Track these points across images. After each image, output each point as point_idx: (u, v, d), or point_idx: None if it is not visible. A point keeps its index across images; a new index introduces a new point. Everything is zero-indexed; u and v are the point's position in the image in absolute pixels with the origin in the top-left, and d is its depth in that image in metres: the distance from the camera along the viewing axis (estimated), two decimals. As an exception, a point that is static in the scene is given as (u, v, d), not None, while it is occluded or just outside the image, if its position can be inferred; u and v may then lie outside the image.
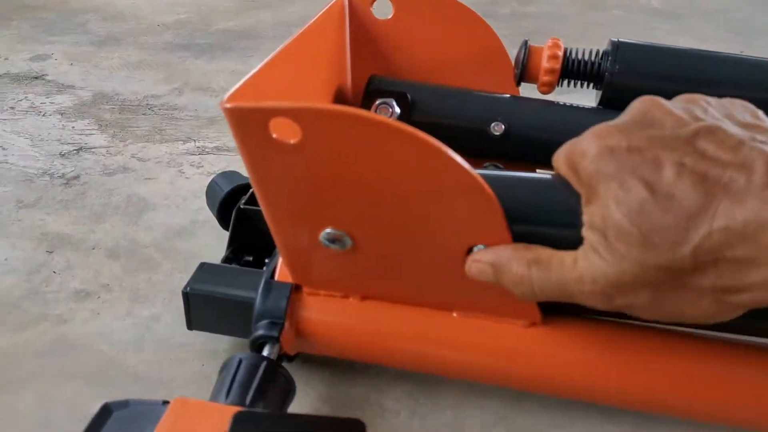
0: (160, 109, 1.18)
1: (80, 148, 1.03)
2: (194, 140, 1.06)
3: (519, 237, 0.48)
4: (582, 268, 0.43)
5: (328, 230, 0.53)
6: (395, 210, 0.51)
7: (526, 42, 0.68)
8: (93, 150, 1.03)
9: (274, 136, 0.46)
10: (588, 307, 0.56)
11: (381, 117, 0.45)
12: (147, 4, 1.78)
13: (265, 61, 0.57)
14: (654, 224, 0.38)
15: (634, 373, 0.54)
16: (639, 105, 0.45)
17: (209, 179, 0.76)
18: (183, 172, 0.97)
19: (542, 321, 0.55)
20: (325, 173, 0.49)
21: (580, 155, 0.43)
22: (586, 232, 0.43)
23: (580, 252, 0.43)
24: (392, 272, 0.56)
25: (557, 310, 0.56)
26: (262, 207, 0.55)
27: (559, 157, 0.46)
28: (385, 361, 0.60)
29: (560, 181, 0.47)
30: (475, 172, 0.46)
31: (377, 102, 0.67)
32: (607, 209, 0.40)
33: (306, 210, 0.53)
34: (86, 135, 1.07)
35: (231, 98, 0.49)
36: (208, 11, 1.73)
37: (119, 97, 1.22)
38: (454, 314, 0.56)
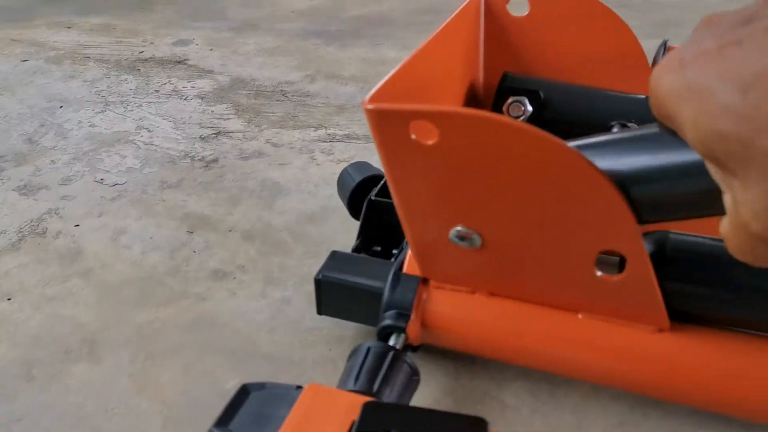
0: (293, 96, 1.22)
1: (219, 132, 1.09)
2: (325, 127, 1.10)
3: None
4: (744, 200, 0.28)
5: (458, 228, 0.54)
6: (526, 212, 0.52)
7: (665, 42, 0.66)
8: (230, 134, 1.08)
9: (413, 137, 0.48)
10: (717, 318, 0.55)
11: (517, 122, 0.46)
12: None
13: (405, 60, 0.59)
14: None
15: (761, 383, 0.53)
16: (704, 20, 0.31)
17: (339, 167, 0.79)
18: (314, 159, 1.01)
19: (670, 327, 0.55)
20: (459, 174, 0.50)
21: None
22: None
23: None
24: (520, 271, 0.57)
25: (686, 319, 0.56)
26: (396, 202, 0.57)
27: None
28: (508, 358, 0.61)
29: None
30: (609, 180, 0.46)
31: (510, 100, 0.68)
32: None
33: (438, 208, 0.54)
34: (224, 119, 1.13)
35: (373, 99, 0.51)
36: (341, -4, 1.78)
37: (255, 82, 1.27)
38: (580, 315, 0.57)
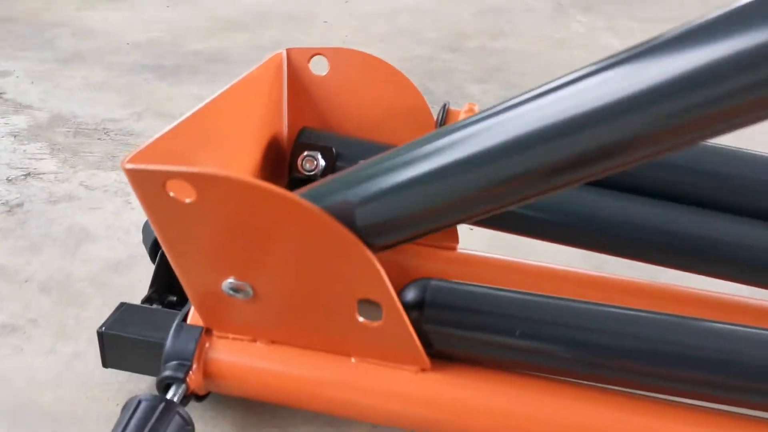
0: (116, 134, 1.19)
1: (28, 174, 1.04)
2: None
3: None
4: None
5: (230, 280, 0.55)
6: (287, 266, 0.54)
7: (445, 105, 0.71)
8: (41, 176, 1.04)
9: (172, 194, 0.49)
10: (474, 356, 0.59)
11: (263, 183, 0.48)
12: (121, 20, 1.80)
13: (186, 115, 0.60)
14: None
15: (518, 419, 0.57)
16: None
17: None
18: (130, 203, 0.98)
19: (432, 367, 0.58)
20: (219, 230, 0.52)
21: None
22: None
23: None
24: (293, 320, 0.59)
25: (446, 358, 0.60)
26: (169, 258, 0.57)
27: None
28: (290, 402, 0.63)
29: None
30: (351, 234, 0.49)
31: (304, 154, 0.70)
32: None
33: (208, 262, 0.55)
34: (37, 160, 1.09)
35: (133, 159, 0.51)
36: (183, 31, 1.75)
37: (76, 119, 1.23)
38: (353, 359, 0.59)
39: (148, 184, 0.49)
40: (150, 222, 0.53)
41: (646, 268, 0.70)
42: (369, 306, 0.55)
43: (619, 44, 1.69)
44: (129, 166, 0.50)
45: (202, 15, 1.87)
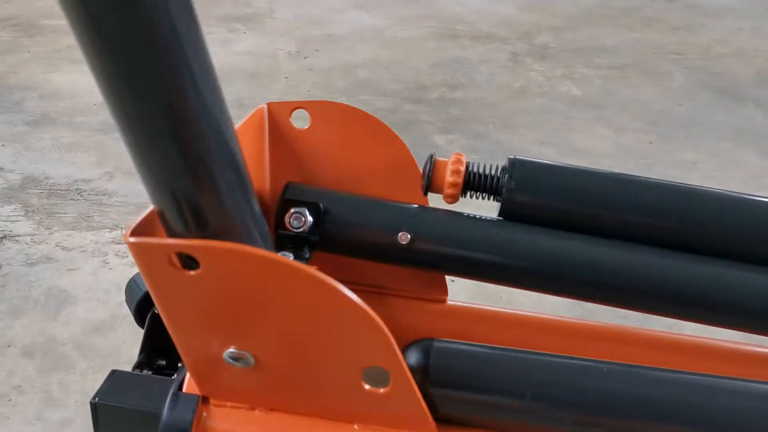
0: (89, 194, 1.19)
1: (4, 237, 1.03)
2: (121, 227, 1.08)
3: None
4: None
5: (231, 349, 0.55)
6: (292, 335, 0.54)
7: (431, 155, 0.72)
8: (17, 238, 1.03)
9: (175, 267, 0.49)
10: (480, 420, 0.59)
11: (274, 255, 0.48)
12: (86, 81, 1.80)
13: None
14: None
15: None
16: None
17: (133, 270, 0.77)
18: (107, 263, 0.98)
19: None
20: (224, 301, 0.51)
21: None
22: None
23: None
24: (295, 388, 0.58)
25: (453, 423, 0.59)
26: (167, 327, 0.57)
27: None
28: None
29: None
30: (362, 303, 0.49)
31: (291, 210, 0.70)
32: None
33: (209, 331, 0.55)
34: (12, 222, 1.08)
35: (134, 232, 0.51)
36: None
37: (49, 181, 1.23)
38: (356, 426, 0.58)
39: (151, 258, 0.49)
40: (151, 293, 0.53)
41: (631, 316, 0.72)
42: (375, 372, 0.54)
43: (577, 91, 1.74)
44: (132, 240, 0.49)
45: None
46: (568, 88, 1.78)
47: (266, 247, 0.53)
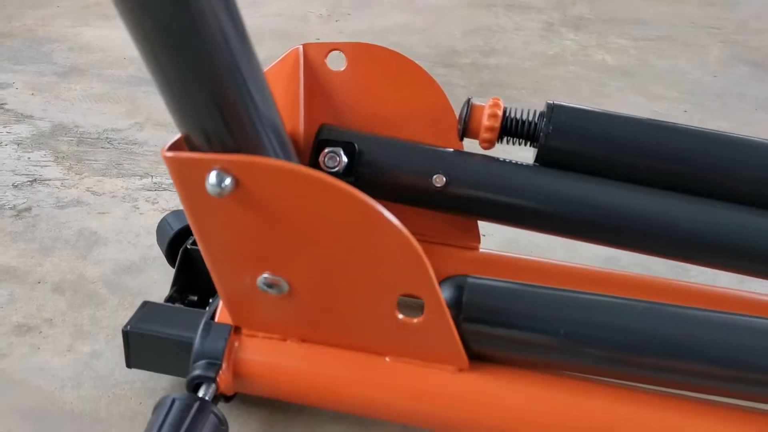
0: (119, 143, 1.19)
1: (34, 180, 1.04)
2: (151, 176, 1.07)
3: None
4: None
5: (265, 275, 0.54)
6: (329, 259, 0.53)
7: (469, 100, 0.71)
8: (47, 182, 1.03)
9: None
10: (513, 357, 0.59)
11: (315, 172, 0.48)
12: (118, 35, 1.79)
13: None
14: None
15: (556, 420, 0.57)
16: None
17: (163, 215, 0.78)
18: (138, 208, 0.98)
19: (470, 367, 0.58)
20: (261, 222, 0.51)
21: None
22: None
23: None
24: (328, 317, 0.58)
25: (485, 359, 0.59)
26: (202, 251, 0.57)
27: None
28: (321, 403, 0.62)
29: None
30: (402, 226, 0.49)
31: (326, 150, 0.69)
32: None
33: (244, 256, 0.55)
34: (41, 167, 1.08)
35: (172, 147, 0.51)
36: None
37: (79, 129, 1.23)
38: (387, 359, 0.58)
39: (188, 173, 0.49)
40: (186, 213, 0.53)
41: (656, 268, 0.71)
42: (409, 302, 0.54)
43: (612, 61, 1.72)
44: (169, 154, 0.49)
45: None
46: (603, 57, 1.75)
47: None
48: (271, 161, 0.47)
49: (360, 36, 1.88)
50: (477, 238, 0.76)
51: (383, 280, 0.52)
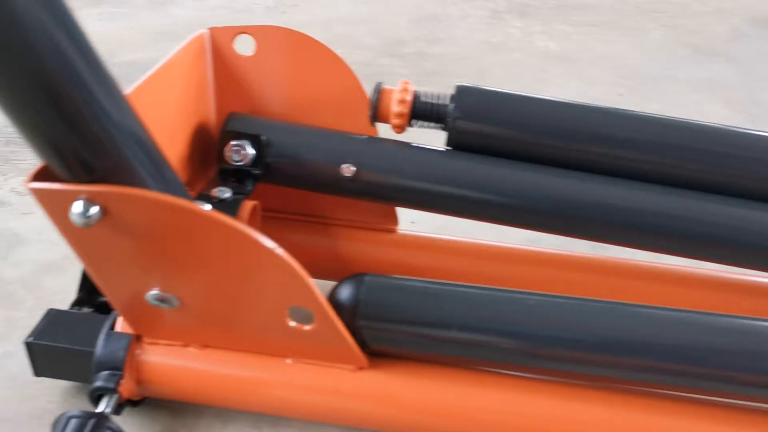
0: (49, 143, 1.17)
1: (-42, 181, 1.02)
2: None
3: None
4: None
5: (154, 292, 0.54)
6: (210, 277, 0.53)
7: (378, 85, 0.70)
8: (-29, 184, 1.01)
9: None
10: (409, 353, 0.59)
11: (179, 200, 0.46)
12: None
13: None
14: None
15: (453, 413, 0.58)
16: None
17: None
18: (63, 207, 0.96)
19: (370, 365, 0.58)
20: (137, 246, 0.50)
21: None
22: None
23: None
24: (222, 327, 0.59)
25: (388, 356, 0.60)
26: (89, 273, 0.56)
27: None
28: (227, 404, 0.63)
29: None
30: (278, 249, 0.49)
31: (231, 144, 0.68)
32: None
33: (128, 276, 0.54)
34: (-34, 168, 1.06)
35: (37, 176, 0.48)
36: (117, 42, 1.72)
37: (7, 129, 1.20)
38: (288, 361, 0.59)
39: (54, 204, 0.47)
40: (65, 240, 0.51)
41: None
42: (301, 309, 0.54)
43: (554, 47, 1.73)
44: (33, 185, 0.46)
45: (135, 27, 1.84)
46: (545, 43, 1.76)
47: (174, 192, 0.51)
48: (134, 192, 0.46)
49: (306, 27, 1.85)
50: (395, 220, 0.76)
51: (266, 295, 0.53)
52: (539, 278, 0.73)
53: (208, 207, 0.59)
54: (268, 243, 0.47)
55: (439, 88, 0.71)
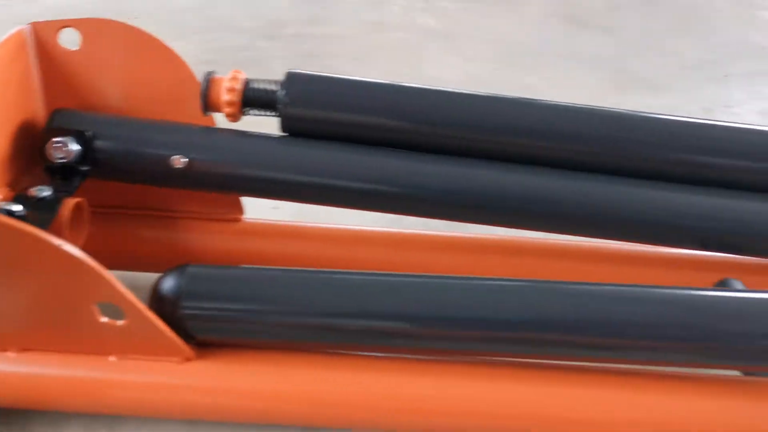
0: None
1: None
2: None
3: None
4: None
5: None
6: (6, 279, 0.51)
7: (208, 74, 0.69)
8: None
9: None
10: (234, 341, 0.58)
11: None
12: None
13: None
14: None
15: (281, 395, 0.58)
16: None
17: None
18: None
19: (197, 356, 0.57)
20: None
21: None
22: None
23: None
24: (36, 328, 0.56)
25: (216, 345, 0.59)
26: None
27: None
28: (50, 406, 0.60)
29: None
30: (71, 248, 0.47)
31: (52, 141, 0.65)
32: None
33: None
34: None
35: None
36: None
37: None
38: (112, 358, 0.57)
39: None
40: None
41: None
42: (111, 305, 0.53)
43: (435, 24, 1.73)
44: None
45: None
46: (426, 21, 1.76)
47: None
48: None
49: (185, 10, 1.81)
50: (239, 209, 0.74)
51: (68, 292, 0.52)
52: (392, 259, 0.73)
53: (18, 208, 0.57)
54: (55, 241, 0.46)
55: (315, 70, 0.69)
